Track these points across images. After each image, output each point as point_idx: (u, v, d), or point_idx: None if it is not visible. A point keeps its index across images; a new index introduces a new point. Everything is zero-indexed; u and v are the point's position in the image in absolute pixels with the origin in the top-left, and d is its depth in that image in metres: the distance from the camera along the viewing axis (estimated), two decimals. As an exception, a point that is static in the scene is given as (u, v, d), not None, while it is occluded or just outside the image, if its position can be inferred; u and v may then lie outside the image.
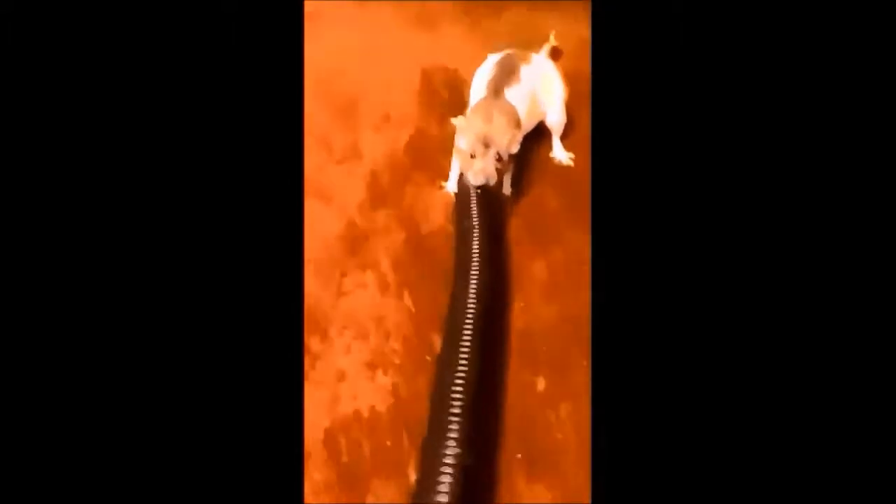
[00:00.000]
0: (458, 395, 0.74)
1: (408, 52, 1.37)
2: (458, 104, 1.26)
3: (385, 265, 1.01)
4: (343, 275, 1.00)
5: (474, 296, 0.86)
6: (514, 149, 1.07)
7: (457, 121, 1.11)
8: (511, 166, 1.11)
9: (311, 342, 0.91)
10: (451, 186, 1.13)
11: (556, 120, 1.20)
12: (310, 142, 1.18)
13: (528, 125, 1.15)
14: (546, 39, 1.38)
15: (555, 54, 1.37)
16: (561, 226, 1.10)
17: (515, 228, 1.10)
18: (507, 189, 1.13)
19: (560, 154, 1.21)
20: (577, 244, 1.06)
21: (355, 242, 1.04)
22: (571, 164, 1.20)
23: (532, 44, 1.33)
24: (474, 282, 0.88)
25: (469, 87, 1.22)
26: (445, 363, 0.80)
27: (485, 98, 1.11)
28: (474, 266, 0.91)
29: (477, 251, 0.93)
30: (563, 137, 1.23)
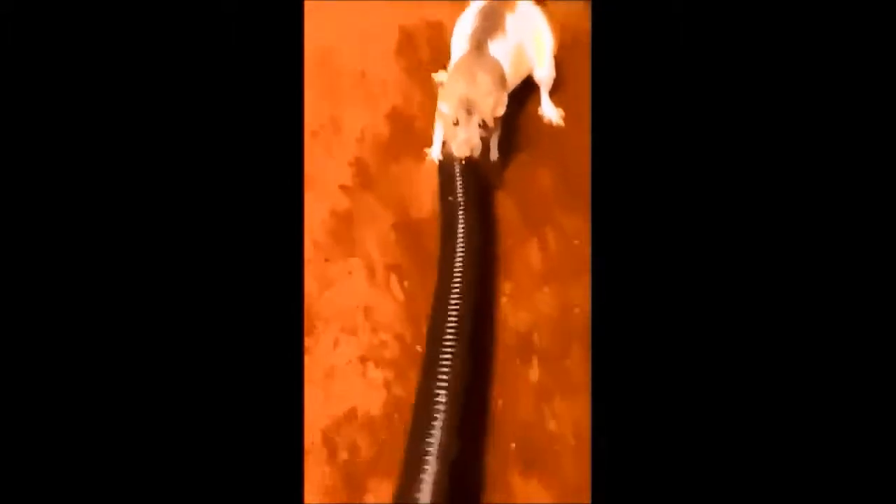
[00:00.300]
0: (441, 392, 0.72)
1: (384, 5, 1.27)
2: (441, 63, 1.17)
3: (371, 251, 0.97)
4: (327, 262, 0.95)
5: (459, 283, 0.82)
6: (500, 111, 1.00)
7: (438, 76, 1.03)
8: (498, 128, 1.05)
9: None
10: (436, 153, 1.06)
11: (544, 74, 1.12)
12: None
13: (514, 81, 1.08)
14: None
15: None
16: (555, 205, 1.04)
17: (506, 208, 1.04)
18: (493, 154, 1.06)
19: (549, 111, 1.14)
20: (573, 224, 1.01)
21: (339, 228, 0.99)
22: (562, 122, 1.13)
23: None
24: (459, 268, 0.84)
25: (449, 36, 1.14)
26: (430, 357, 0.76)
27: (467, 54, 1.03)
28: (460, 250, 0.86)
29: (462, 232, 0.88)
30: (553, 93, 1.15)
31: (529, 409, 0.83)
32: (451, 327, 0.77)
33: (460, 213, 0.91)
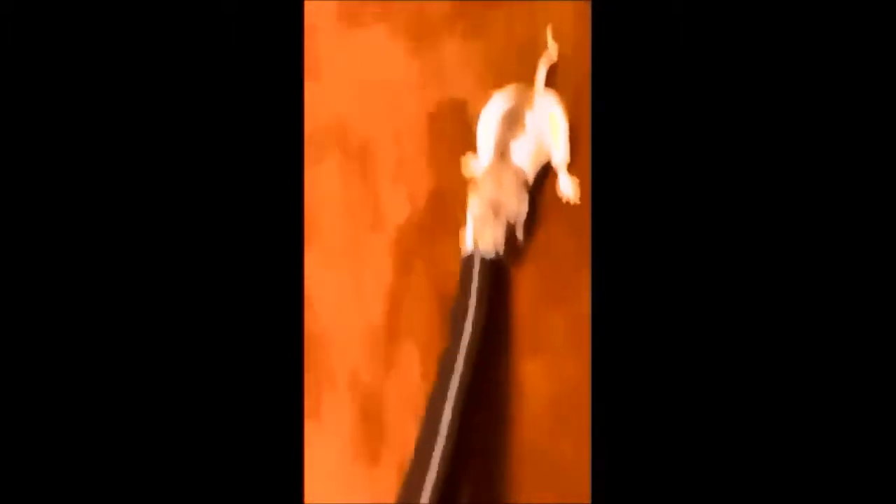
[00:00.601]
0: None
1: (409, 87, 1.38)
2: (467, 138, 1.31)
3: (425, 339, 1.14)
4: (389, 353, 1.14)
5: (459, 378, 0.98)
6: (524, 212, 1.16)
7: (469, 164, 1.19)
8: (524, 213, 1.20)
9: (369, 427, 1.08)
10: (469, 242, 1.22)
11: (561, 157, 1.26)
12: (337, 202, 1.27)
13: (535, 171, 1.23)
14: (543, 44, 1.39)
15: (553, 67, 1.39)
16: (577, 268, 1.19)
17: (527, 278, 1.21)
18: (520, 235, 1.22)
19: (566, 188, 1.28)
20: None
21: (394, 317, 1.17)
22: (579, 200, 1.28)
23: (531, 42, 1.36)
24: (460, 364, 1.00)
25: (477, 119, 1.27)
26: (418, 455, 0.92)
27: (493, 162, 1.18)
28: (463, 345, 1.02)
29: (471, 326, 1.04)
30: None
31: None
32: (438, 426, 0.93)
33: (472, 306, 1.07)
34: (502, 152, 1.18)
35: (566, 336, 1.16)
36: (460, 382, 0.99)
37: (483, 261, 1.12)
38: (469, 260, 1.14)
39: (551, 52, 1.39)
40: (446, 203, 1.28)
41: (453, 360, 1.02)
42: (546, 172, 1.28)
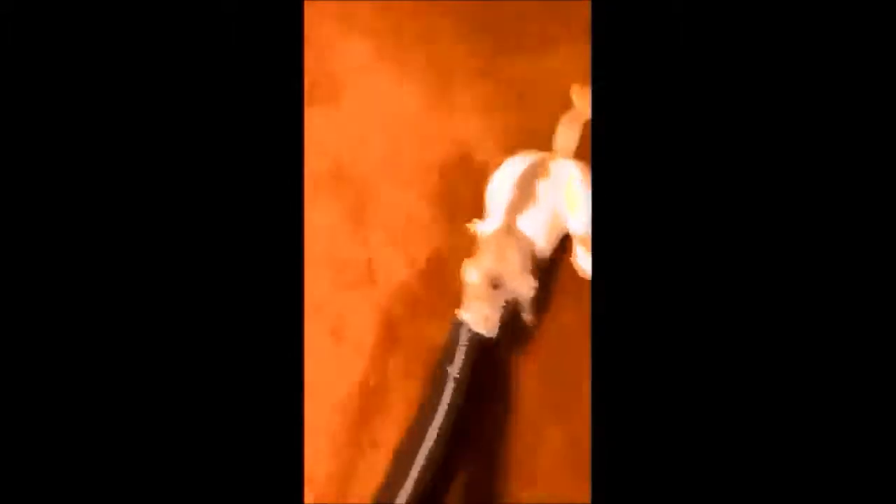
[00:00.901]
0: None
1: (422, 141, 1.28)
2: (476, 200, 1.18)
3: (403, 415, 1.00)
4: (358, 448, 1.00)
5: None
6: (530, 293, 1.02)
7: (475, 226, 1.06)
8: (530, 292, 1.05)
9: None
10: (462, 315, 1.08)
11: (580, 228, 1.10)
12: (318, 256, 1.15)
13: (550, 245, 1.09)
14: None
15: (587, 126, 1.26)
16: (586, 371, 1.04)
17: (528, 377, 1.05)
18: (527, 316, 1.07)
19: (583, 262, 1.13)
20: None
21: (371, 405, 1.03)
22: (597, 276, 1.12)
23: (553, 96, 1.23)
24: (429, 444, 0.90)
25: (488, 177, 1.14)
26: None
27: (498, 231, 1.04)
28: (435, 427, 0.91)
29: (445, 410, 0.92)
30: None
31: None
32: None
33: (449, 388, 0.93)
34: (510, 222, 1.04)
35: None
36: (429, 454, 0.89)
37: (472, 337, 0.96)
38: (457, 329, 0.98)
39: (576, 114, 1.26)
40: (446, 270, 1.14)
41: (424, 429, 0.91)
42: (565, 246, 1.14)
